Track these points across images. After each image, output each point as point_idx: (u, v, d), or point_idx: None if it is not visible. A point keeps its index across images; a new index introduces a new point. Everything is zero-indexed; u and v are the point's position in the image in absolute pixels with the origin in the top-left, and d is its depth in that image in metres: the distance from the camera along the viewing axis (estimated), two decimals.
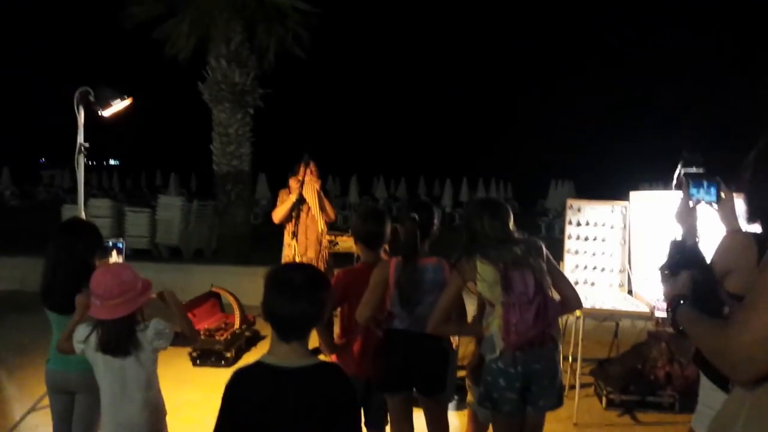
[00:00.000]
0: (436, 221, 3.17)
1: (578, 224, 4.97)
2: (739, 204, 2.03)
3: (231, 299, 6.20)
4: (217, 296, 6.42)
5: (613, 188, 7.47)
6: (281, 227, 5.66)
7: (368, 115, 37.59)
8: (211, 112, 10.63)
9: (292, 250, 5.57)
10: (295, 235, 5.56)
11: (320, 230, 5.59)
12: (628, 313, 4.66)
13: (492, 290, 2.71)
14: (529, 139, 34.53)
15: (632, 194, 4.88)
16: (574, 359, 4.66)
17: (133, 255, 9.98)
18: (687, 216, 2.20)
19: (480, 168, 24.40)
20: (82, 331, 2.57)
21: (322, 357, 2.53)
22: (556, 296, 2.86)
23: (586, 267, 4.94)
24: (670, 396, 4.64)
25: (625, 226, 4.90)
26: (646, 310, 4.45)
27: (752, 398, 1.36)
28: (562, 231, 5.09)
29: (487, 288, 2.72)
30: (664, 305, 4.40)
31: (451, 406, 4.14)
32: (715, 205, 2.24)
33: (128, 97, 4.44)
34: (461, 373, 3.73)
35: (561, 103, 35.10)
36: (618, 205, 4.96)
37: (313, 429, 1.82)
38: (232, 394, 1.84)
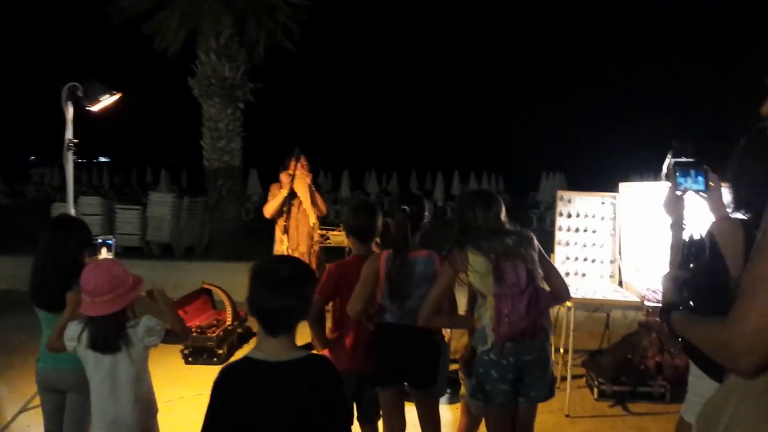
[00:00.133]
0: (426, 213, 3.17)
1: (569, 216, 4.99)
2: (726, 193, 2.05)
3: (223, 296, 6.18)
4: (209, 293, 6.40)
5: (604, 180, 7.49)
6: (273, 222, 5.65)
7: (359, 110, 37.52)
8: (200, 107, 10.57)
9: (283, 245, 5.56)
10: (286, 230, 5.55)
11: (312, 225, 5.58)
12: (619, 303, 4.68)
13: (484, 281, 2.71)
14: (520, 131, 34.57)
15: (621, 186, 4.90)
16: (566, 350, 4.68)
17: (124, 253, 9.93)
18: (675, 205, 2.21)
19: (471, 161, 24.38)
20: (73, 329, 2.56)
21: (315, 352, 2.53)
22: (546, 288, 2.87)
23: (576, 258, 4.96)
24: (661, 386, 4.68)
25: (615, 217, 4.92)
26: (637, 300, 4.47)
27: (741, 390, 1.36)
28: (553, 223, 5.10)
29: (478, 279, 2.72)
30: (654, 295, 4.43)
31: (444, 399, 4.16)
32: (704, 194, 2.24)
33: (117, 92, 4.42)
34: (454, 367, 3.74)
35: (551, 96, 35.16)
36: (608, 197, 4.98)
37: (304, 421, 1.82)
38: (221, 390, 1.83)
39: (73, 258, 2.82)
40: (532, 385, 2.78)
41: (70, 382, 2.78)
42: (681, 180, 2.23)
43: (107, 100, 4.39)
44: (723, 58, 25.43)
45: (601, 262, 4.96)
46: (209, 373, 5.24)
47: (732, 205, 1.97)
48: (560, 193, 5.17)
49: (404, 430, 3.18)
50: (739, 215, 1.88)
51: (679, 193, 2.23)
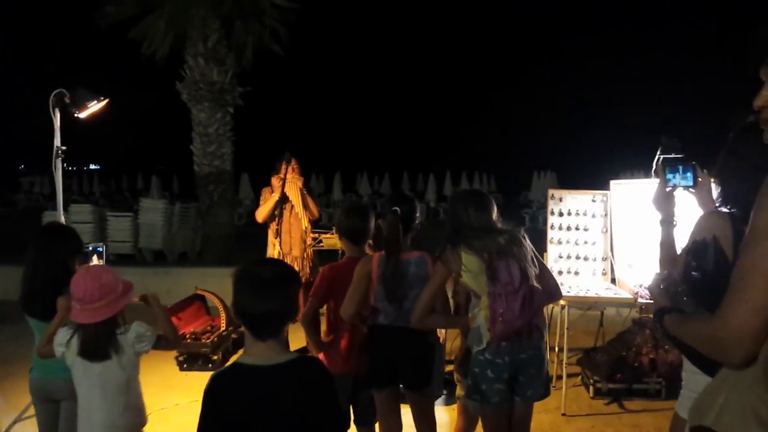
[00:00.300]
0: (418, 214, 3.17)
1: (560, 214, 4.99)
2: (714, 188, 2.07)
3: (216, 301, 6.15)
4: (203, 299, 6.37)
5: (595, 178, 7.52)
6: (265, 227, 5.63)
7: (350, 112, 37.47)
8: (190, 111, 10.54)
9: (276, 249, 5.54)
10: (279, 233, 5.53)
11: (304, 228, 5.56)
12: (612, 301, 4.69)
13: (477, 280, 2.71)
14: (511, 131, 34.63)
15: (612, 183, 4.92)
16: (560, 349, 4.68)
17: (116, 260, 9.89)
18: (664, 201, 2.22)
19: (463, 162, 24.38)
20: (63, 335, 2.53)
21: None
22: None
23: (569, 256, 4.96)
24: (656, 383, 4.69)
25: (606, 215, 4.94)
26: (630, 297, 4.48)
27: (732, 380, 1.39)
28: (546, 222, 5.11)
29: (472, 278, 2.72)
30: (647, 292, 4.43)
31: (440, 401, 4.14)
32: (692, 190, 2.25)
33: (105, 98, 4.39)
34: (449, 368, 3.74)
35: (541, 96, 35.23)
36: (599, 194, 5.00)
37: (297, 424, 1.81)
38: (212, 398, 1.82)
39: (64, 266, 2.80)
40: (527, 384, 2.78)
41: (63, 390, 2.74)
42: (670, 176, 2.24)
43: (95, 106, 4.35)
44: (713, 52, 25.58)
45: (594, 259, 4.98)
46: (204, 379, 5.15)
47: (719, 200, 1.98)
48: (551, 191, 5.18)
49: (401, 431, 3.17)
50: (725, 209, 1.89)
51: (668, 189, 2.24)
